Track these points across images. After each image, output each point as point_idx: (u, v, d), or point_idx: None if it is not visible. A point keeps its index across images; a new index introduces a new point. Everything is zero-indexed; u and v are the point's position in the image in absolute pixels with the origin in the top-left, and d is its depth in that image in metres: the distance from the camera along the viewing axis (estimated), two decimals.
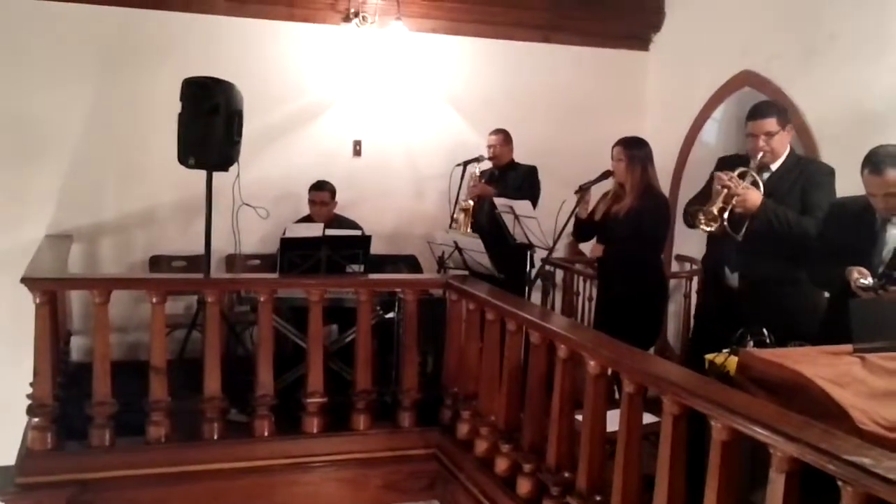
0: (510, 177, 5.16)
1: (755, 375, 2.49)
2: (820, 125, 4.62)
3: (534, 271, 4.83)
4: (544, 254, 4.57)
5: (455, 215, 5.05)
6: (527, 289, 4.65)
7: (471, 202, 5.08)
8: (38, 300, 3.45)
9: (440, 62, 5.84)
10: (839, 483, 1.80)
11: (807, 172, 3.44)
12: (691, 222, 3.46)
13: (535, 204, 4.84)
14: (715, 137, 5.70)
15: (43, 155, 5.09)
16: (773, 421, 2.03)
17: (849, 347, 2.51)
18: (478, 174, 5.17)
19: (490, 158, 5.22)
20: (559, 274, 5.80)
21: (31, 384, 3.48)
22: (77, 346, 4.95)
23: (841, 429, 2.02)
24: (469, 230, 4.99)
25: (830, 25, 4.58)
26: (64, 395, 3.69)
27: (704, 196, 3.53)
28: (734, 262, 3.46)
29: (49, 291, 3.51)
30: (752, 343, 2.87)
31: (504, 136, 5.24)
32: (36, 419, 3.48)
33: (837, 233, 3.08)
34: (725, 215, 3.26)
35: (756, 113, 3.43)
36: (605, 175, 4.37)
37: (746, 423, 2.09)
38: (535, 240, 4.57)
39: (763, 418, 2.06)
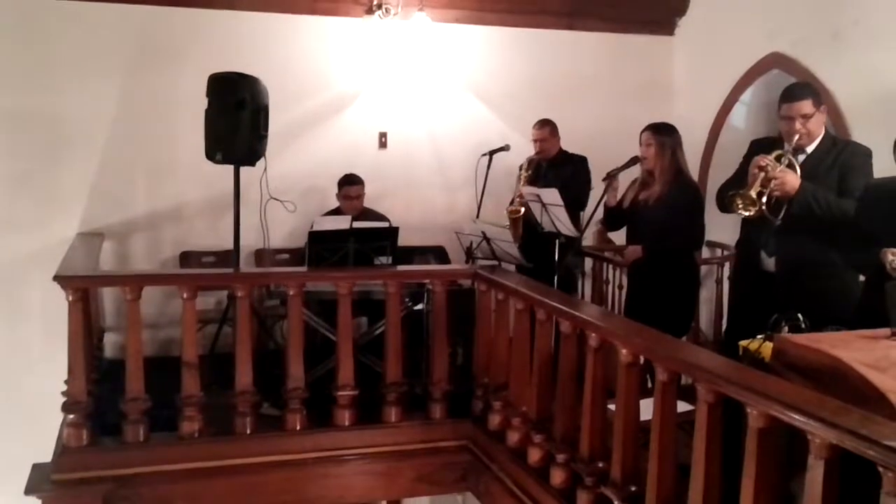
0: (563, 171, 4.92)
1: (791, 361, 2.44)
2: (851, 107, 4.53)
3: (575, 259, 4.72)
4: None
5: (507, 226, 4.84)
6: (556, 277, 4.61)
7: (522, 209, 4.83)
8: (70, 298, 3.48)
9: (464, 52, 5.81)
10: (880, 469, 1.77)
11: (844, 154, 3.37)
12: (727, 207, 3.39)
13: (586, 199, 4.73)
14: (744, 121, 5.62)
15: (72, 154, 5.16)
16: (811, 407, 1.99)
17: (887, 331, 2.46)
18: (523, 175, 4.94)
19: (537, 153, 5.04)
20: (588, 262, 5.76)
21: (66, 381, 3.52)
22: (110, 342, 5.00)
23: (880, 414, 1.97)
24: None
25: (857, 6, 4.48)
26: (98, 392, 3.74)
27: (738, 180, 3.47)
28: (772, 247, 3.41)
29: (81, 289, 3.55)
30: (786, 328, 2.82)
31: (550, 128, 5.01)
32: (71, 416, 3.52)
33: (872, 214, 3.02)
34: (764, 199, 3.20)
35: (791, 95, 3.36)
36: (633, 161, 4.33)
37: (783, 410, 2.05)
38: (563, 228, 4.53)
39: (800, 404, 2.02)
